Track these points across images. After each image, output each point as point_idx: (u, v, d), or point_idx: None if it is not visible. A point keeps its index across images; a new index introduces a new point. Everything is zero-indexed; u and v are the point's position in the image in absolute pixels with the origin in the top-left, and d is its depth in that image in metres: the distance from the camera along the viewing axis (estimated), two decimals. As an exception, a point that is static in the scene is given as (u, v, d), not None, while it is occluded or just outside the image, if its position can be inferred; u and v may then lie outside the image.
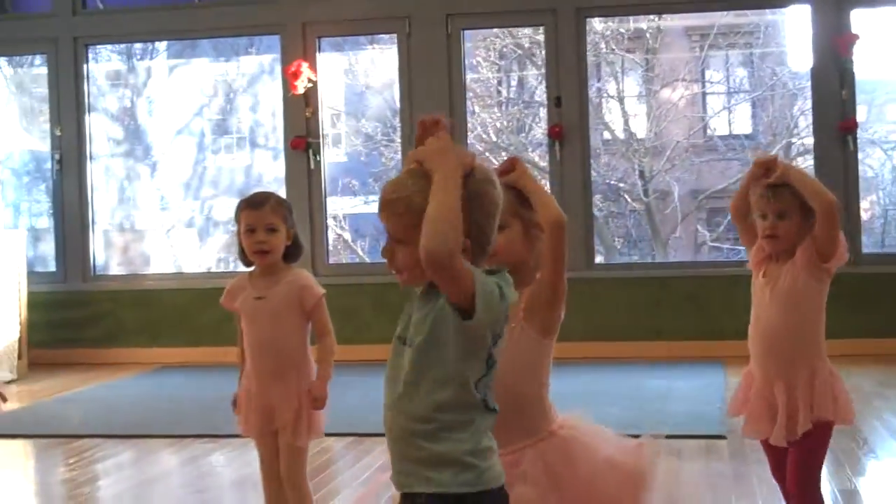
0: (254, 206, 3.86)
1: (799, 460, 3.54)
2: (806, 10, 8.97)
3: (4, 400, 4.37)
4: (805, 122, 11.28)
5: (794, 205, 3.46)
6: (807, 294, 3.52)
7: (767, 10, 11.44)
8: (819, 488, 3.62)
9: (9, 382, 8.45)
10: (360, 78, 12.37)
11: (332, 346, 3.88)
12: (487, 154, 11.61)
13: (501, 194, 2.32)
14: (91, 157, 9.92)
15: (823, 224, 3.41)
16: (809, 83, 9.20)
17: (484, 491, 2.26)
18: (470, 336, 2.23)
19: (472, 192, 2.23)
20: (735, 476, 5.08)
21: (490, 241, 2.29)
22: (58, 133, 9.77)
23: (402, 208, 2.24)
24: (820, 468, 3.62)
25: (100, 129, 10.86)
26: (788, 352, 3.54)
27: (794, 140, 12.00)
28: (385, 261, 2.32)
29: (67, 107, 9.76)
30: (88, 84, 9.98)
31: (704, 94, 12.95)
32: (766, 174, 3.51)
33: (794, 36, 10.25)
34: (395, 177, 2.32)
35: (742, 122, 13.08)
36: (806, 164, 10.90)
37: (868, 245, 10.20)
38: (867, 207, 11.36)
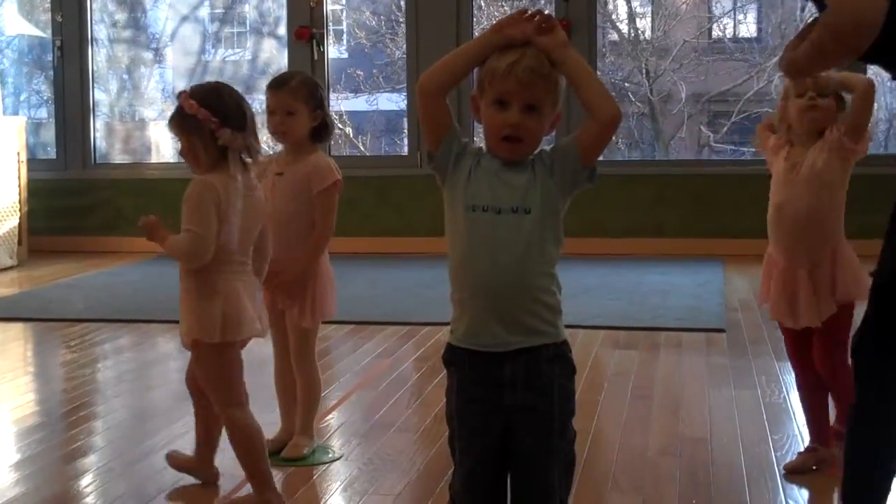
0: (273, 88, 3.85)
1: (825, 342, 3.65)
2: None
3: None
4: (814, 25, 11.14)
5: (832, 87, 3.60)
6: (832, 175, 3.61)
7: None
8: (847, 365, 3.64)
9: (8, 268, 8.47)
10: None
11: (320, 242, 3.84)
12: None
13: None
14: (92, 43, 9.84)
15: (861, 99, 3.52)
16: (820, -17, 9.08)
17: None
18: (571, 197, 2.46)
19: None
20: (734, 367, 5.10)
21: None
22: (59, 19, 9.69)
23: (554, 84, 2.40)
24: (847, 347, 3.64)
25: (102, 16, 10.73)
26: (814, 235, 3.63)
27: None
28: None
29: (68, -9, 9.68)
30: (90, -32, 9.88)
31: (712, -6, 12.77)
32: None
33: (806, -65, 10.10)
34: (533, 53, 2.39)
35: (750, 24, 12.92)
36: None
37: (871, 147, 10.08)
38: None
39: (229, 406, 3.39)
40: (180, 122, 3.34)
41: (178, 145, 3.43)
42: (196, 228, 3.24)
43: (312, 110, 3.84)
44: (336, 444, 4.09)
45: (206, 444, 3.68)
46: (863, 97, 3.52)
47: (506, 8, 12.18)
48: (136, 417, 4.52)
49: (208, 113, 3.28)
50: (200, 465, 3.68)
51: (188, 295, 3.36)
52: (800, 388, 3.79)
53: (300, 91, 3.83)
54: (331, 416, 4.48)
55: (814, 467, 3.69)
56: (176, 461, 3.72)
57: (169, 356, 5.73)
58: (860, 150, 3.59)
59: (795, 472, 3.68)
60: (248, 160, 3.37)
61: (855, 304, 3.59)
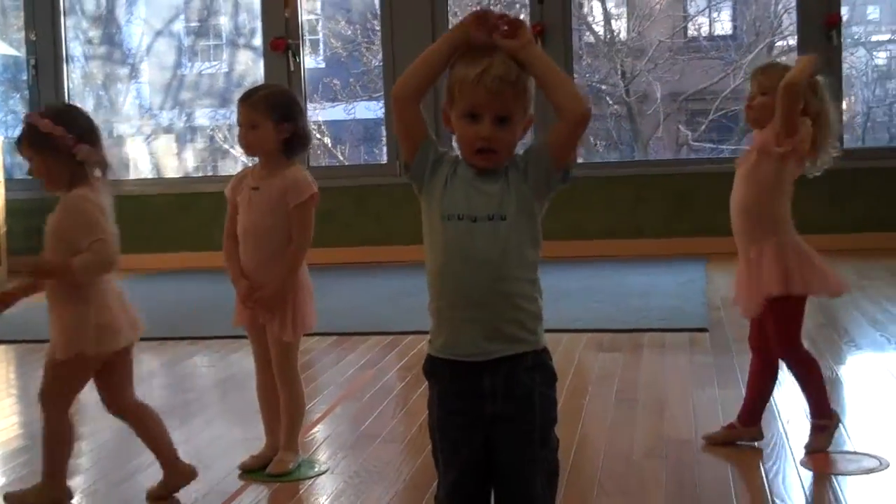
0: (241, 101, 3.85)
1: (773, 332, 3.78)
2: None
3: None
4: (789, 21, 11.17)
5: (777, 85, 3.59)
6: (758, 172, 3.69)
7: None
8: (800, 348, 3.82)
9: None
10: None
11: (298, 256, 3.81)
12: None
13: None
14: (67, 61, 9.82)
15: (780, 100, 3.55)
16: (793, -22, 9.12)
17: None
18: (548, 200, 2.43)
19: None
20: (717, 366, 5.11)
21: None
22: (32, 38, 9.66)
23: (523, 89, 2.37)
24: (795, 335, 3.78)
25: (76, 34, 10.71)
26: (743, 229, 3.76)
27: (777, 40, 11.90)
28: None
29: (42, 9, 9.64)
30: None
31: (686, -7, 12.79)
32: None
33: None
34: (501, 60, 2.35)
35: (724, 22, 12.95)
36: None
37: (849, 141, 10.14)
38: (849, 105, 11.30)
39: (55, 409, 3.57)
40: (33, 142, 3.39)
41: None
42: (103, 235, 3.34)
43: (277, 124, 3.78)
44: (322, 457, 4.08)
45: (163, 454, 3.69)
46: (780, 98, 3.54)
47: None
48: (120, 437, 4.47)
49: (63, 130, 3.32)
50: (171, 478, 3.68)
51: (63, 307, 3.51)
52: (749, 370, 3.94)
53: (260, 104, 3.78)
54: (316, 429, 4.47)
55: (729, 442, 3.91)
56: (151, 493, 3.69)
57: (152, 374, 5.71)
58: (787, 148, 3.60)
59: (714, 444, 3.91)
60: (99, 174, 3.45)
61: (796, 298, 3.69)
